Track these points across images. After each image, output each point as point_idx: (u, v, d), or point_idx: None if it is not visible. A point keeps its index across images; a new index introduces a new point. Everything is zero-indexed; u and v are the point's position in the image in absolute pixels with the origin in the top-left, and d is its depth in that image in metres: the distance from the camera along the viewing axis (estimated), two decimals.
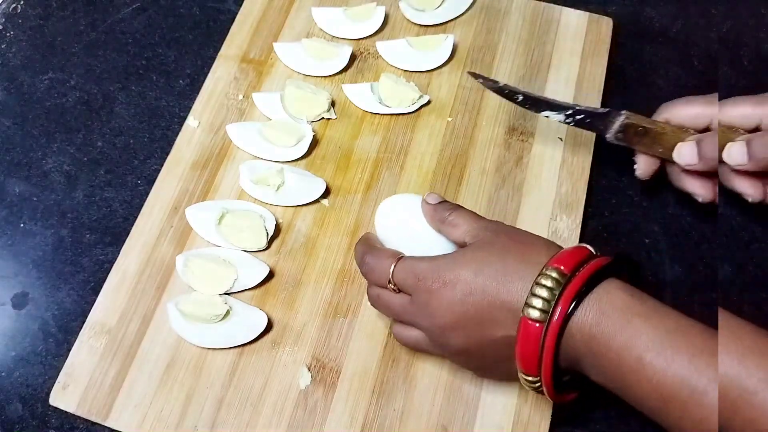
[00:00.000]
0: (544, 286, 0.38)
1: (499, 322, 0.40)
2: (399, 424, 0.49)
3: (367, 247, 0.47)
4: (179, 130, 0.60)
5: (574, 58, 0.62)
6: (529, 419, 0.48)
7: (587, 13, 0.64)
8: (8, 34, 0.66)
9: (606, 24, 0.64)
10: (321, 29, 0.64)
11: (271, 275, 0.54)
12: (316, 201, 0.57)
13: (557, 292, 0.38)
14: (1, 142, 0.61)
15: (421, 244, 0.46)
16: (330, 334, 0.52)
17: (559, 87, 0.61)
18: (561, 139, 0.59)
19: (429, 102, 0.61)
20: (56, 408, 0.50)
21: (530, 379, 0.40)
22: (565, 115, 0.52)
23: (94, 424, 0.49)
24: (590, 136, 0.58)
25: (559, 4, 0.65)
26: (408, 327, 0.46)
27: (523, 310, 0.38)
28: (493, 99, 0.61)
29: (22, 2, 0.68)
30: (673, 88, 0.63)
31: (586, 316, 0.38)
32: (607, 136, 0.52)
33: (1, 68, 0.64)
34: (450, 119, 0.60)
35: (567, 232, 0.55)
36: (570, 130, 0.59)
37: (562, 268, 0.38)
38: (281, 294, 0.53)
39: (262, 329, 0.51)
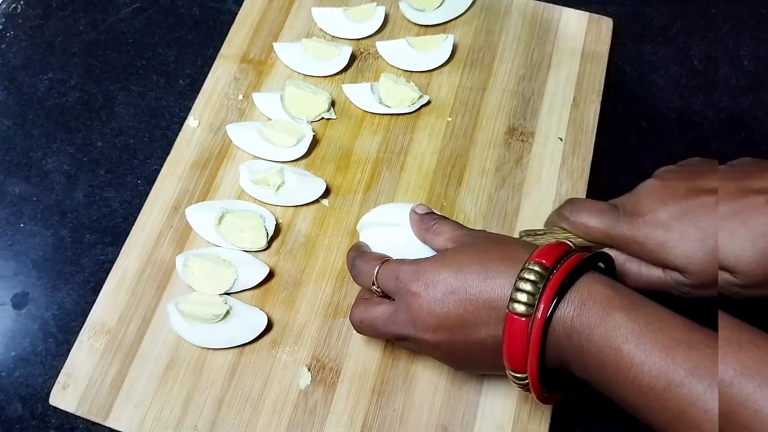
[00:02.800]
0: (528, 279, 0.38)
1: (483, 321, 0.40)
2: (399, 424, 0.49)
3: (357, 252, 0.48)
4: (179, 130, 0.60)
5: (574, 58, 0.62)
6: (529, 419, 0.48)
7: (587, 13, 0.64)
8: (8, 34, 0.66)
9: (606, 24, 0.64)
10: (321, 29, 0.64)
11: (271, 275, 0.54)
12: (316, 201, 0.57)
13: (541, 285, 0.38)
14: (1, 142, 0.61)
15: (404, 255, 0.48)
16: (330, 334, 0.52)
17: (559, 87, 0.61)
18: (561, 139, 0.59)
19: (429, 102, 0.61)
20: (56, 408, 0.50)
21: (518, 375, 0.40)
22: None
23: (94, 424, 0.50)
24: (590, 136, 0.58)
25: (559, 4, 0.65)
26: (370, 305, 0.46)
27: (508, 305, 0.39)
28: (493, 99, 0.61)
29: (22, 2, 0.68)
30: (673, 88, 0.63)
31: (568, 310, 0.38)
32: None
33: (1, 68, 0.64)
34: (450, 119, 0.60)
35: None
36: (570, 130, 0.59)
37: (544, 261, 0.39)
38: (281, 294, 0.53)
39: (262, 329, 0.51)
